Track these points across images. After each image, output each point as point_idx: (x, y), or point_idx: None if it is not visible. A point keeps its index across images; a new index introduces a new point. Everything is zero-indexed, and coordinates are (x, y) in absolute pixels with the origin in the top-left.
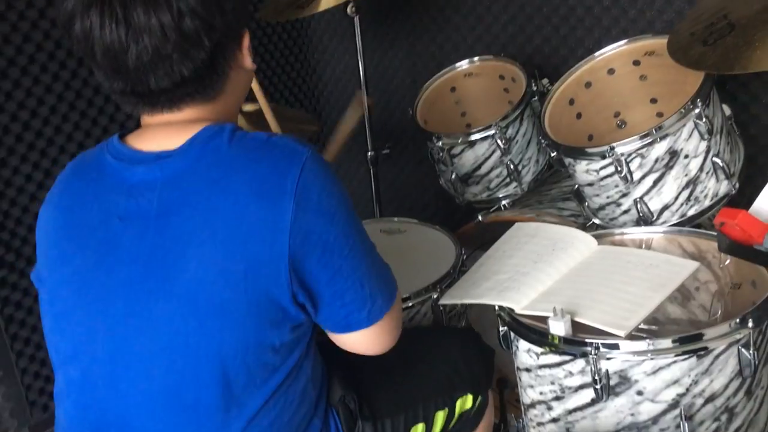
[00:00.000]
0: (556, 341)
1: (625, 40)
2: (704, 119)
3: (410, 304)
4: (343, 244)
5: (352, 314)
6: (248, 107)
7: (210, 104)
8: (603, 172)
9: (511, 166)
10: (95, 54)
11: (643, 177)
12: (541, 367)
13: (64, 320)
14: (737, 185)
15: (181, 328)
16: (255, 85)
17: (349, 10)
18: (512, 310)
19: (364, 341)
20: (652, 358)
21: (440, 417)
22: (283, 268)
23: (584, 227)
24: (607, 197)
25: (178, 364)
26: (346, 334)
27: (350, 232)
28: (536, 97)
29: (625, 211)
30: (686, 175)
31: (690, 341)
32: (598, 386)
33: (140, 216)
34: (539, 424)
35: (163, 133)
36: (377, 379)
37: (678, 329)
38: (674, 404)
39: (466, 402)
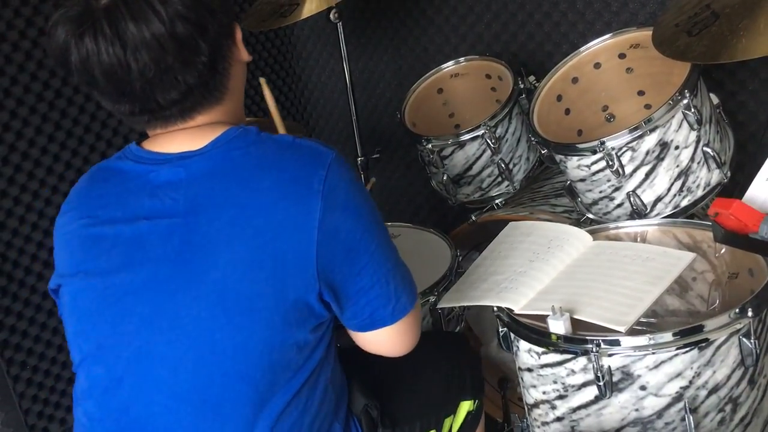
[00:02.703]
0: (557, 340)
1: (610, 34)
2: (693, 109)
3: None
4: (369, 241)
5: (377, 311)
6: (248, 119)
7: (220, 106)
8: (594, 167)
9: (503, 165)
10: (97, 80)
11: (634, 170)
12: (542, 366)
13: (88, 321)
14: (729, 174)
15: (208, 326)
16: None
17: (331, 16)
18: (511, 310)
19: (387, 340)
20: (653, 353)
21: (448, 423)
22: (311, 266)
23: (578, 223)
24: (600, 192)
25: (204, 362)
26: (370, 333)
27: (375, 230)
28: (524, 95)
29: (619, 205)
30: (678, 166)
31: (690, 333)
32: (601, 383)
33: (167, 215)
34: (543, 423)
35: (183, 136)
36: (392, 387)
37: (677, 321)
38: (678, 397)
39: (467, 407)
